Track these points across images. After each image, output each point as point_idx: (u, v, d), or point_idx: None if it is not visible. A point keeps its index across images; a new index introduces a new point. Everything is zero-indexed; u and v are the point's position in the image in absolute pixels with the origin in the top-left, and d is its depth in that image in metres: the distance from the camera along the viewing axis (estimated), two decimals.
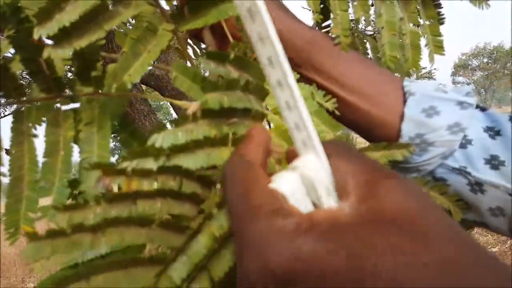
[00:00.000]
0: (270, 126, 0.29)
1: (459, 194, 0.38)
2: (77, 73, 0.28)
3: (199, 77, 0.26)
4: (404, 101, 0.38)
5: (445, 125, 0.37)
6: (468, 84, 30.46)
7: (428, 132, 0.37)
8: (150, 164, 0.21)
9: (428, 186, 0.39)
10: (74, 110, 0.29)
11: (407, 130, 0.37)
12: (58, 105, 0.29)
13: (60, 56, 0.22)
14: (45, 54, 0.22)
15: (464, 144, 0.37)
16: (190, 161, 0.22)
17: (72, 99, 0.29)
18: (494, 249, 3.07)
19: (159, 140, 0.22)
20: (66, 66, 0.30)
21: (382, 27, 0.48)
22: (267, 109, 0.32)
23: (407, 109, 0.38)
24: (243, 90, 0.26)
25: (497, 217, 0.36)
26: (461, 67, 31.52)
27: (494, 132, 0.37)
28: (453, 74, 32.26)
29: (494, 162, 0.35)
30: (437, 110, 0.37)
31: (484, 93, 30.77)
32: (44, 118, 0.29)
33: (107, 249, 0.21)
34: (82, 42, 0.23)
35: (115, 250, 0.23)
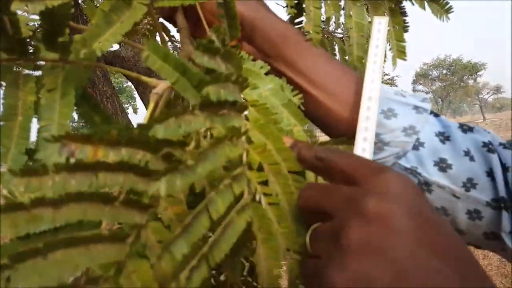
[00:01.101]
0: (247, 119, 0.30)
1: None
2: (43, 37, 0.27)
3: (170, 57, 0.26)
4: None
5: (401, 127, 0.39)
6: (427, 93, 32.17)
7: (385, 132, 0.39)
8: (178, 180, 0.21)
9: None
10: (37, 76, 0.28)
11: None
12: (19, 68, 0.28)
13: (31, 11, 0.21)
14: (14, 6, 0.21)
15: (417, 146, 0.39)
16: (205, 165, 0.23)
17: (36, 63, 0.28)
18: None
19: (160, 131, 0.22)
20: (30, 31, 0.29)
21: (351, 28, 0.50)
22: (245, 100, 0.32)
23: None
24: (233, 83, 0.26)
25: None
26: (421, 76, 33.03)
27: (444, 137, 0.40)
28: (414, 82, 33.75)
29: (442, 165, 0.38)
30: (395, 113, 0.39)
31: (441, 102, 32.45)
32: (3, 82, 0.28)
33: (66, 223, 0.20)
34: (54, 1, 0.22)
35: (69, 224, 0.23)
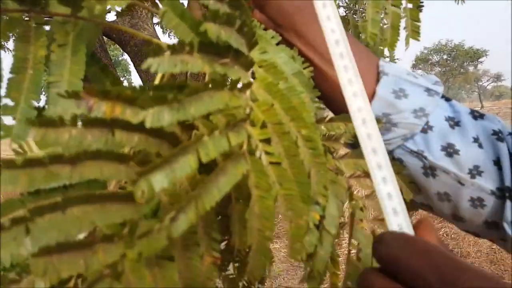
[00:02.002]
0: (254, 78, 0.29)
1: (412, 176, 0.40)
2: None
3: (187, 16, 0.26)
4: (377, 80, 0.40)
5: (411, 109, 0.38)
6: None
7: (394, 113, 0.38)
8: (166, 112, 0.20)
9: None
10: (48, 30, 0.27)
11: (376, 109, 0.39)
12: (30, 21, 0.27)
13: None
14: None
15: (426, 129, 0.39)
16: (198, 106, 0.21)
17: (47, 17, 0.27)
18: None
19: (154, 65, 0.21)
20: None
21: (367, 4, 0.49)
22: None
23: (379, 88, 0.39)
24: (238, 31, 0.25)
25: (443, 202, 0.39)
26: (421, 61, 32.76)
27: (454, 122, 0.39)
28: (414, 66, 33.51)
29: (449, 150, 0.38)
30: (406, 93, 0.39)
31: None
32: (11, 34, 0.27)
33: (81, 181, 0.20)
34: None
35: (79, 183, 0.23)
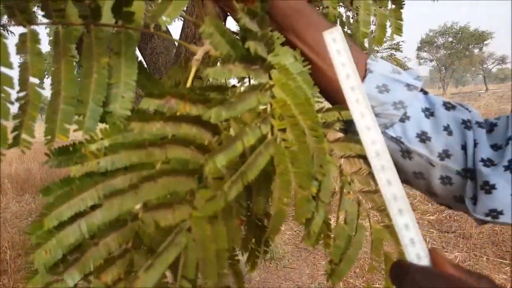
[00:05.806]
0: (271, 78, 0.40)
1: (393, 158, 0.52)
2: (113, 7, 0.36)
3: (226, 33, 0.36)
4: (364, 77, 0.50)
5: (391, 102, 0.49)
6: (431, 61, 32.76)
7: (377, 105, 0.49)
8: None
9: None
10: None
11: None
12: (91, 32, 0.37)
13: None
14: None
15: (403, 119, 0.50)
16: (243, 104, 0.32)
17: (104, 29, 0.37)
18: (432, 217, 3.53)
19: (211, 73, 0.32)
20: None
21: (359, 7, 0.60)
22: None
23: (364, 84, 0.50)
24: (265, 44, 0.36)
25: (418, 180, 0.51)
26: (427, 43, 33.41)
27: (429, 113, 0.50)
28: (419, 49, 34.20)
29: (423, 137, 0.49)
30: (388, 88, 0.49)
31: (444, 71, 33.16)
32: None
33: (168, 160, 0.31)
34: None
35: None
